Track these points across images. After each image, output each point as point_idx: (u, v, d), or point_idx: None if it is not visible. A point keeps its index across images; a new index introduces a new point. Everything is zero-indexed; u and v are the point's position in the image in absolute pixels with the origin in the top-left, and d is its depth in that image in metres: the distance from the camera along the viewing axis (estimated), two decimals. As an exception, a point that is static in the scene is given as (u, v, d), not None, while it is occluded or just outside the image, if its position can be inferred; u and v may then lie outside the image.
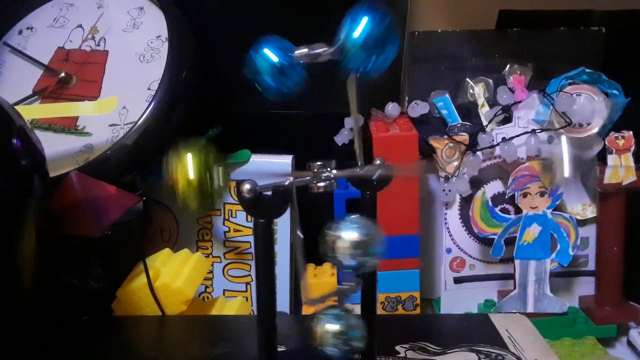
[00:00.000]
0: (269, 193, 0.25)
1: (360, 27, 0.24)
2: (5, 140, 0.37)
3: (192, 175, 0.24)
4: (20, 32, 0.61)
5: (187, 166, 0.25)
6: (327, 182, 0.27)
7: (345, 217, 0.26)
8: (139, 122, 0.50)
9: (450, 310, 0.58)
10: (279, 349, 0.40)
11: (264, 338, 0.26)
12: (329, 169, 0.27)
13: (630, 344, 0.55)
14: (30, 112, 0.55)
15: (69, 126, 0.55)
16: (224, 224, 0.59)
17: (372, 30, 0.24)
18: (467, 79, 0.59)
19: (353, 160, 0.34)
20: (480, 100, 0.58)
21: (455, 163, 0.56)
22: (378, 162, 0.30)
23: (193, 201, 0.25)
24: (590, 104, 0.54)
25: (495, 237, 0.55)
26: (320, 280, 0.59)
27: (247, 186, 0.24)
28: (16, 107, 0.45)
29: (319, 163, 0.27)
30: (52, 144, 0.53)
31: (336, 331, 0.25)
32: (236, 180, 0.57)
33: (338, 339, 0.25)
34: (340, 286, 0.28)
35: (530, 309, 0.55)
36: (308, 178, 0.27)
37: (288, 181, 0.25)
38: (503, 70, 0.59)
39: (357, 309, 0.64)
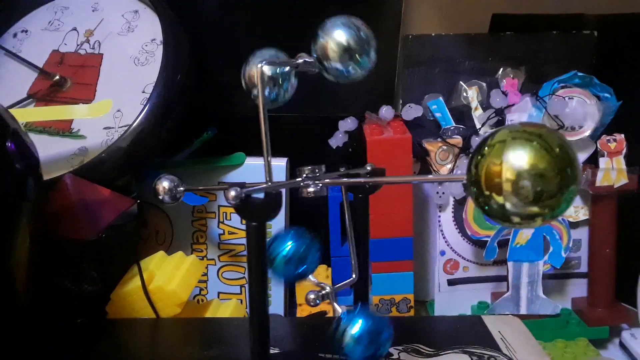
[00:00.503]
0: (261, 196, 0.25)
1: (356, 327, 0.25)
2: (-1, 144, 0.37)
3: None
4: (14, 35, 0.61)
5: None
6: (316, 187, 0.27)
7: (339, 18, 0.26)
8: (134, 125, 0.50)
9: (444, 312, 0.58)
10: (273, 351, 0.40)
11: (256, 340, 0.26)
12: (317, 173, 0.27)
13: (622, 346, 0.55)
14: (24, 115, 0.55)
15: (63, 129, 0.55)
16: (218, 226, 0.59)
17: (367, 329, 0.25)
18: (461, 82, 0.59)
19: (347, 163, 0.34)
20: (474, 103, 0.58)
21: (449, 166, 0.56)
22: (369, 167, 0.30)
23: None
24: (582, 107, 0.55)
25: (489, 239, 0.55)
26: (315, 282, 0.59)
27: (232, 193, 0.24)
28: (10, 110, 0.45)
29: (308, 168, 0.28)
30: (47, 147, 0.53)
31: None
32: (228, 184, 0.57)
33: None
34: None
35: (523, 310, 0.55)
36: (289, 182, 0.27)
37: (266, 185, 0.25)
38: (496, 74, 0.59)
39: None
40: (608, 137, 0.54)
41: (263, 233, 0.25)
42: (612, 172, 0.54)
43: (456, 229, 0.58)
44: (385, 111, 0.57)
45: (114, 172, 0.51)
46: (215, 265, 0.60)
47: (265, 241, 0.26)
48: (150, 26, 0.57)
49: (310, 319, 0.56)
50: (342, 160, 0.55)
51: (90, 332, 0.46)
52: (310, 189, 0.27)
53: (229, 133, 0.61)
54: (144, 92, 0.53)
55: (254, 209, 0.25)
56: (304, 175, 0.27)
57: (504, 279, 0.56)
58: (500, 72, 0.59)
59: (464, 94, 0.59)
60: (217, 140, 0.61)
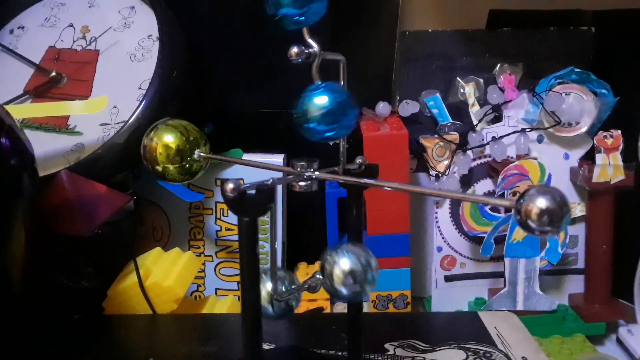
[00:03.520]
0: (253, 192, 0.25)
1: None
2: (-6, 140, 0.37)
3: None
4: (11, 32, 0.61)
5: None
6: (308, 182, 0.27)
7: (340, 246, 0.27)
8: (130, 121, 0.50)
9: (442, 309, 0.58)
10: (268, 347, 0.40)
11: (248, 336, 0.26)
12: (311, 169, 0.28)
13: (619, 342, 0.55)
14: (20, 112, 0.55)
15: (59, 125, 0.55)
16: (215, 222, 0.59)
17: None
18: (458, 79, 0.59)
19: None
20: (471, 99, 0.58)
21: (446, 162, 0.56)
22: (359, 160, 0.30)
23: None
24: (579, 103, 0.55)
25: (485, 235, 0.55)
26: (312, 278, 0.59)
27: (230, 185, 0.24)
28: (6, 106, 0.45)
29: (301, 163, 0.28)
30: (43, 144, 0.53)
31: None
32: (222, 180, 0.57)
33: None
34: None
35: (520, 306, 0.56)
36: (290, 177, 0.28)
37: (270, 180, 0.25)
38: (493, 70, 0.59)
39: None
40: (605, 133, 0.54)
41: (255, 229, 0.25)
42: (608, 168, 0.53)
43: (453, 225, 0.58)
44: (382, 107, 0.57)
45: (111, 169, 0.51)
46: (212, 261, 0.60)
47: (257, 237, 0.26)
48: (147, 22, 0.57)
49: (306, 315, 0.56)
50: (339, 156, 0.55)
51: (86, 328, 0.46)
52: (302, 183, 0.27)
53: (226, 129, 0.61)
54: (140, 88, 0.53)
55: (246, 204, 0.25)
56: (297, 169, 0.27)
57: (501, 275, 0.56)
58: (497, 68, 0.59)
59: (461, 90, 0.59)
60: (214, 137, 0.60)
